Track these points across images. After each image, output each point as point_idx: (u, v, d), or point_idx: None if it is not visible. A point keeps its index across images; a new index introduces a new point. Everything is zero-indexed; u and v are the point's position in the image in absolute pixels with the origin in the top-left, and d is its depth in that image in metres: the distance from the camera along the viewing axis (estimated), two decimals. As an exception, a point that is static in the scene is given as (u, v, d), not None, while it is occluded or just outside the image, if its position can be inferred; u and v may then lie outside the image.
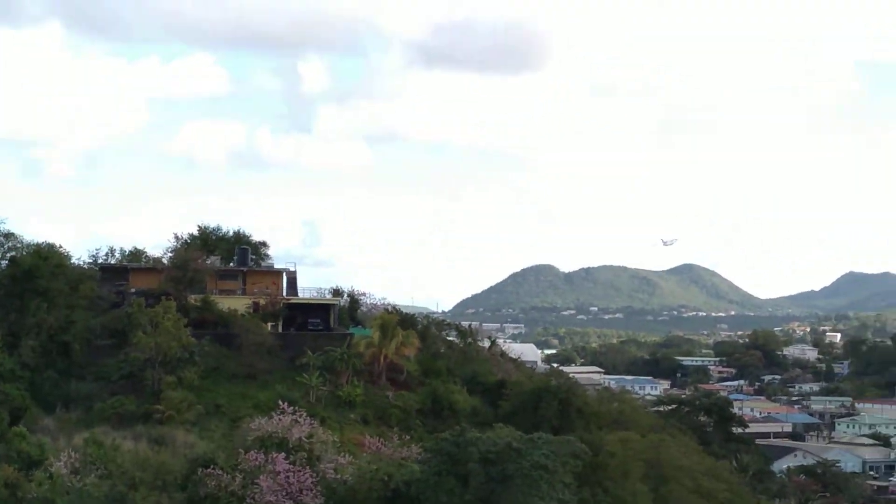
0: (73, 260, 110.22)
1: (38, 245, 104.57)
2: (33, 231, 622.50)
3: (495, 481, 70.09)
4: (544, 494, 69.57)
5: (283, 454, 71.23)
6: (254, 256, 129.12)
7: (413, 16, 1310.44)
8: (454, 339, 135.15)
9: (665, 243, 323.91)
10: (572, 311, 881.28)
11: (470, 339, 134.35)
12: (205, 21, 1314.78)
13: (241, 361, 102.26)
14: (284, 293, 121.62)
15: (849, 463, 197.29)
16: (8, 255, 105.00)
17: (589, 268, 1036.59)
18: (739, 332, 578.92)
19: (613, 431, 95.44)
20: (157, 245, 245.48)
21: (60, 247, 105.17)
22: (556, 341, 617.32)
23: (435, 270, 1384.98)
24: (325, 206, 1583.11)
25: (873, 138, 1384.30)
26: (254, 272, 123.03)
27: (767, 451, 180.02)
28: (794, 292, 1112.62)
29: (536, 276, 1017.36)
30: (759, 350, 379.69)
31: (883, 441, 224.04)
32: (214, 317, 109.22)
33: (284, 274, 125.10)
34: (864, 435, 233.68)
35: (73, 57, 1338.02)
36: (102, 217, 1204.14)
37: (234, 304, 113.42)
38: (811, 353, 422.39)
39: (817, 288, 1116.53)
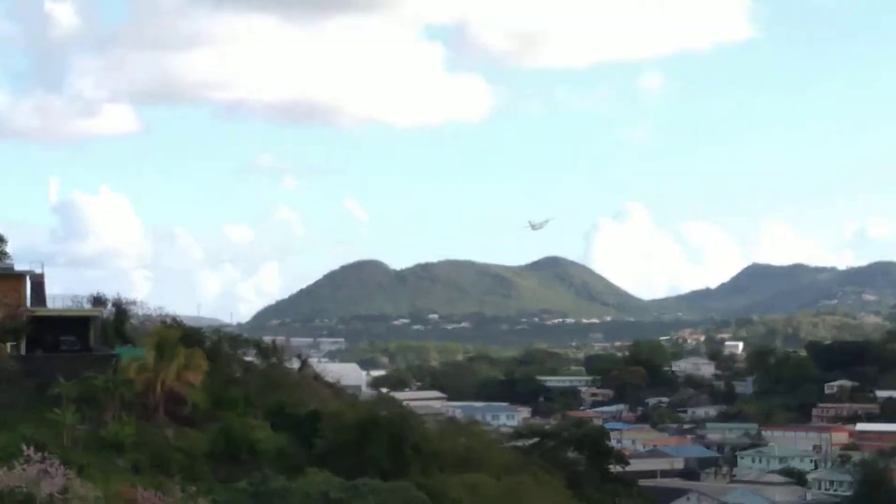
0: None
1: None
2: None
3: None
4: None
5: (28, 516, 70.07)
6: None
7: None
8: (254, 359, 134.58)
9: (534, 227, 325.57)
10: (406, 321, 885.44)
11: (274, 359, 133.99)
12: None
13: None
14: (28, 303, 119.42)
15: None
16: None
17: (426, 263, 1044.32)
18: (617, 343, 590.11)
19: (460, 474, 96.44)
20: None
21: None
22: (385, 359, 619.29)
23: (227, 271, 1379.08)
24: (82, 187, 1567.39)
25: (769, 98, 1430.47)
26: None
27: (654, 494, 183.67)
28: (684, 291, 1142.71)
29: (359, 276, 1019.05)
30: (641, 365, 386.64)
31: (797, 478, 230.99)
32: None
33: (28, 278, 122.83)
34: (773, 471, 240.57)
35: None
36: None
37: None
38: (707, 369, 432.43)
39: (713, 285, 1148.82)
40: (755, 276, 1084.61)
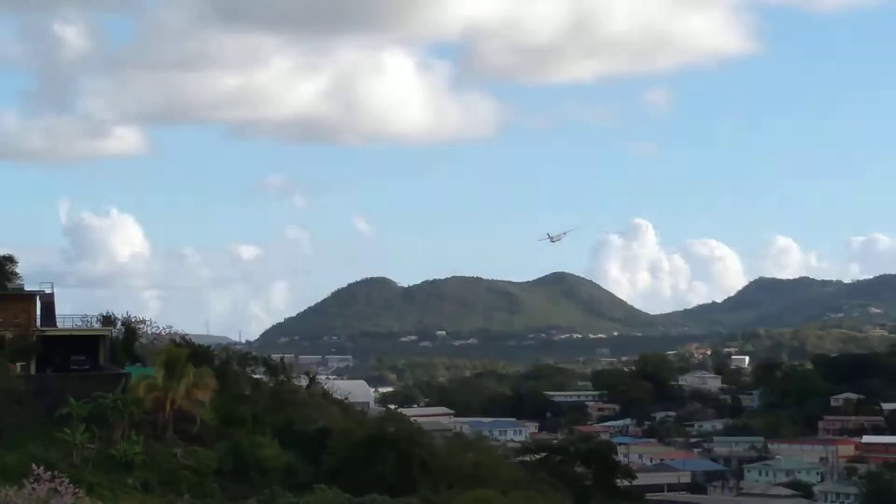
0: None
1: None
2: None
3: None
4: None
5: (39, 534, 70.14)
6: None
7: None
8: (262, 377, 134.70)
9: (552, 239, 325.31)
10: (414, 337, 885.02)
11: (282, 377, 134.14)
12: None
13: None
14: (38, 323, 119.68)
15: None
16: None
17: (434, 280, 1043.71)
18: (624, 358, 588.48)
19: (468, 490, 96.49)
20: None
21: None
22: (393, 376, 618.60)
23: (236, 290, 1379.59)
24: (92, 208, 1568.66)
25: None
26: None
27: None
28: (691, 305, 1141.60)
29: (367, 294, 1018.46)
30: (648, 380, 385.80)
31: (803, 491, 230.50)
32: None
33: (38, 298, 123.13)
34: (779, 484, 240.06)
35: None
36: None
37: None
38: (713, 383, 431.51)
39: (720, 299, 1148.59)
40: (761, 290, 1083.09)
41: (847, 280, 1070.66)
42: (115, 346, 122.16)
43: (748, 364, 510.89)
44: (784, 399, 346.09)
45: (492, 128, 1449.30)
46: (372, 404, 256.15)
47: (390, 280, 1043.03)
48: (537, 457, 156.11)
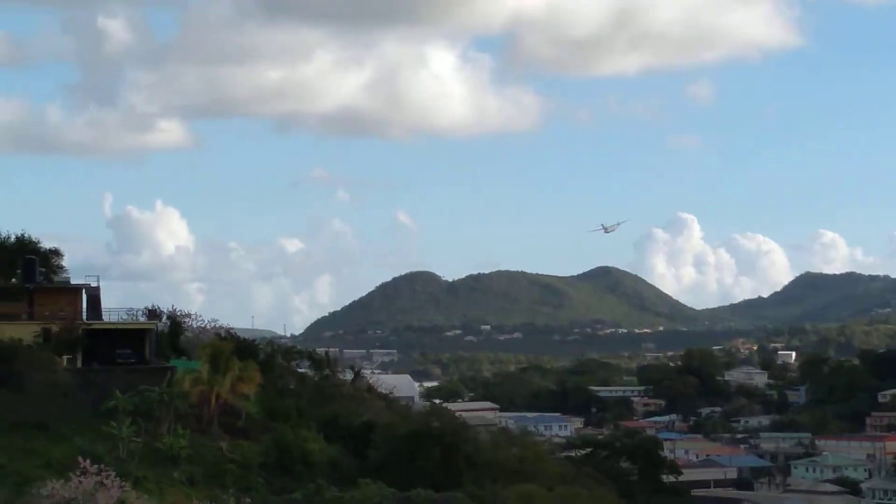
0: None
1: None
2: None
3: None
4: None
5: (85, 527, 70.49)
6: (43, 269, 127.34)
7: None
8: (307, 371, 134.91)
9: (606, 229, 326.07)
10: (458, 331, 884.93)
11: (327, 371, 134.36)
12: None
13: (27, 407, 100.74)
14: (84, 316, 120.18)
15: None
16: None
17: (478, 275, 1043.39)
18: (670, 353, 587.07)
19: (513, 485, 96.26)
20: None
21: None
22: (438, 370, 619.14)
23: (281, 284, 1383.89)
24: (137, 202, 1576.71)
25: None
26: (43, 290, 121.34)
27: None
28: (737, 300, 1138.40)
29: (412, 288, 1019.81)
30: (694, 375, 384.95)
31: (851, 487, 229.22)
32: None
33: (84, 291, 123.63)
34: (826, 480, 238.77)
35: None
36: None
37: (18, 332, 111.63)
38: (759, 378, 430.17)
39: (766, 294, 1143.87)
40: (808, 285, 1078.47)
41: (894, 275, 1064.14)
42: (160, 340, 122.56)
43: (794, 359, 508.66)
44: (831, 395, 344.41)
45: (535, 121, 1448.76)
46: (416, 399, 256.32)
47: (434, 274, 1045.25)
48: (582, 452, 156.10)
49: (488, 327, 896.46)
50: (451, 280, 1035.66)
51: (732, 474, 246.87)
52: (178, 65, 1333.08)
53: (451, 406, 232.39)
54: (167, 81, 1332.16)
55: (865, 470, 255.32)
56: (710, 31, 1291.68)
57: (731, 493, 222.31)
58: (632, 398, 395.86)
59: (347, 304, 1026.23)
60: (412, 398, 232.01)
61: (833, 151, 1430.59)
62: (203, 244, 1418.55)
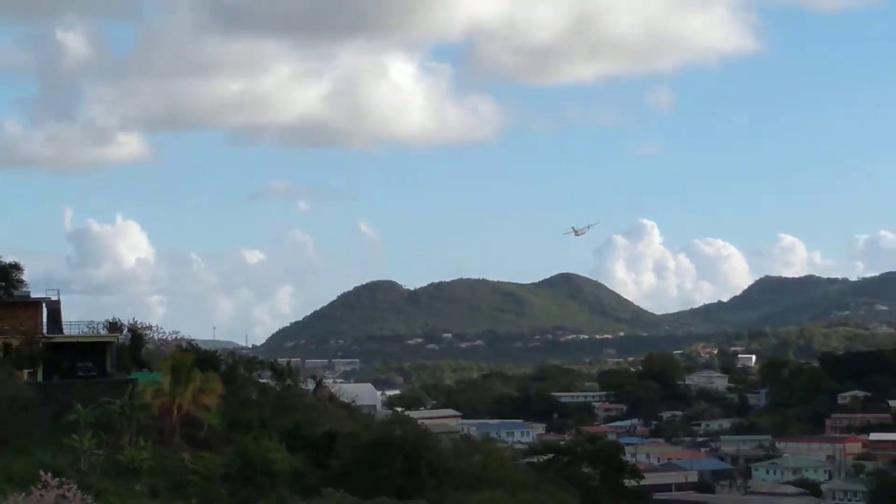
0: None
1: None
2: None
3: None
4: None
5: (48, 541, 70.26)
6: (2, 283, 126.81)
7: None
8: (269, 381, 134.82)
9: (577, 232, 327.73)
10: (420, 340, 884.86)
11: (289, 381, 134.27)
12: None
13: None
14: (45, 330, 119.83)
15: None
16: None
17: (440, 283, 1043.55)
18: (630, 358, 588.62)
19: (475, 491, 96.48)
20: None
21: None
22: (400, 379, 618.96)
23: (242, 295, 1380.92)
24: (96, 215, 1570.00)
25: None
26: (3, 304, 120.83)
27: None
28: (696, 305, 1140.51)
29: (373, 297, 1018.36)
30: (655, 380, 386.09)
31: (811, 489, 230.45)
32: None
33: (44, 305, 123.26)
34: (787, 482, 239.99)
35: None
36: None
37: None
38: (720, 382, 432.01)
39: (725, 298, 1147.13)
40: (767, 289, 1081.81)
41: (853, 278, 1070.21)
42: (121, 353, 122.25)
43: (755, 363, 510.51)
44: (791, 397, 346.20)
45: (495, 130, 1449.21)
46: (379, 407, 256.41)
47: (396, 283, 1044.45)
48: (544, 458, 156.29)
49: (450, 335, 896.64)
50: (412, 289, 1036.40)
51: (693, 477, 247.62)
52: (136, 78, 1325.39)
53: (414, 414, 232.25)
54: (126, 94, 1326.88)
55: (825, 471, 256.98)
56: (667, 37, 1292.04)
57: (693, 496, 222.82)
58: (593, 403, 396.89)
59: (309, 314, 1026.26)
60: (374, 407, 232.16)
61: (792, 155, 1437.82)
62: (163, 256, 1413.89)
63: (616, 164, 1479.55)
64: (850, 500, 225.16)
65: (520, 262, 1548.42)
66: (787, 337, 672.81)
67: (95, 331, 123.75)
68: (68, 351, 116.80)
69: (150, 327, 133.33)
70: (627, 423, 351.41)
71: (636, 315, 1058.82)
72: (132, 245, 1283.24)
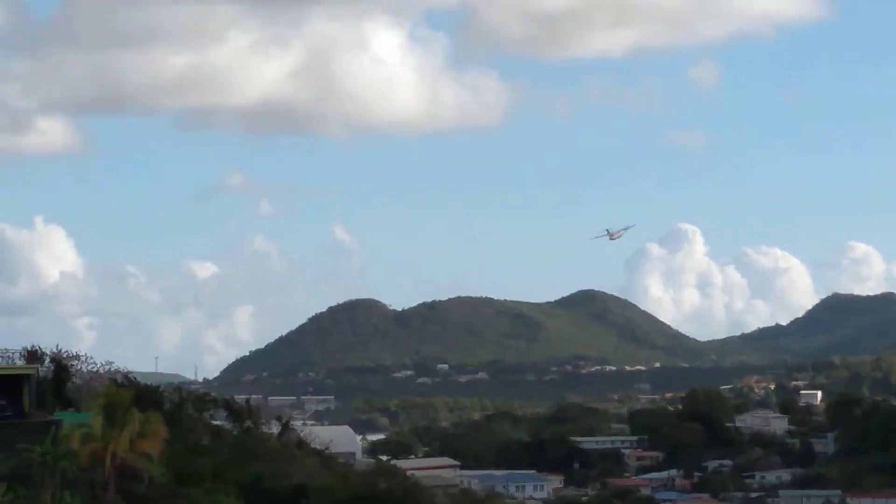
0: None
1: None
2: None
3: None
4: None
5: None
6: None
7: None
8: (224, 423, 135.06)
9: (612, 236, 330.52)
10: (410, 372, 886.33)
11: (248, 423, 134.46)
12: None
13: None
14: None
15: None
16: None
17: (433, 302, 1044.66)
18: (668, 395, 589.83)
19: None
20: None
21: None
22: (385, 420, 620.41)
23: (191, 317, 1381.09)
24: (10, 217, 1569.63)
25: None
26: None
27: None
28: (749, 329, 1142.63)
29: (352, 320, 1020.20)
30: (698, 421, 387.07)
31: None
32: None
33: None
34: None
35: None
36: None
37: None
38: (778, 424, 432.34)
39: (785, 321, 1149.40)
40: (836, 310, 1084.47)
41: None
42: (42, 388, 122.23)
43: (820, 401, 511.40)
44: (865, 443, 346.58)
45: (499, 114, 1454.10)
46: (359, 455, 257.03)
47: (380, 302, 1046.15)
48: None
49: (446, 366, 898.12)
50: (400, 309, 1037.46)
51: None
52: (59, 49, 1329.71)
53: (402, 463, 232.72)
54: (47, 71, 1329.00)
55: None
56: (712, 1, 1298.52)
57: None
58: (622, 450, 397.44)
59: (273, 340, 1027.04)
60: (353, 454, 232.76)
61: (864, 147, 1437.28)
62: (94, 270, 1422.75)
63: (649, 155, 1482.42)
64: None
65: (532, 277, 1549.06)
66: (860, 368, 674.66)
67: (10, 361, 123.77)
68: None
69: (77, 357, 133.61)
70: (664, 474, 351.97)
71: (675, 341, 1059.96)
72: (55, 255, 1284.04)
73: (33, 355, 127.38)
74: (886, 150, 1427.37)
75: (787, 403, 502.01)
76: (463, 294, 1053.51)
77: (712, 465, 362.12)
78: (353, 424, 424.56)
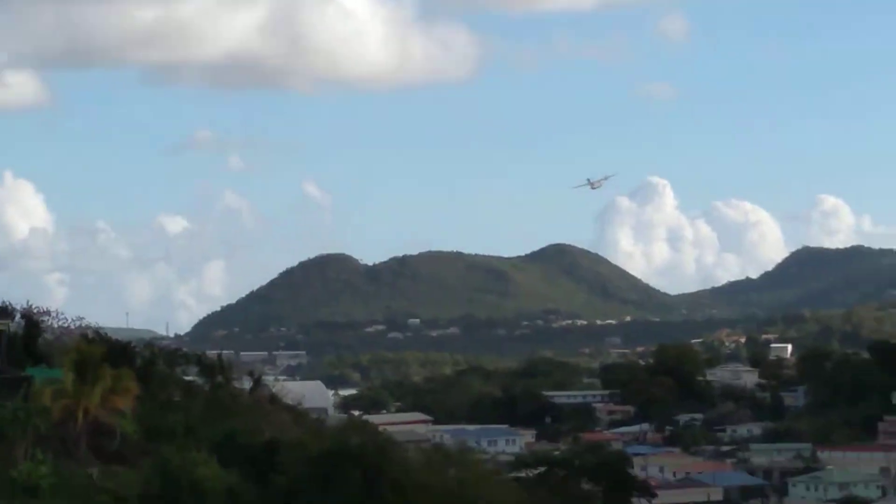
0: None
1: None
2: None
3: None
4: None
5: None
6: None
7: None
8: (195, 379, 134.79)
9: (592, 185, 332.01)
10: (381, 327, 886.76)
11: (221, 379, 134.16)
12: None
13: None
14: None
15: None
16: None
17: (404, 257, 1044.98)
18: (639, 349, 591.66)
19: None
20: None
21: None
22: (357, 375, 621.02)
23: (161, 272, 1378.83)
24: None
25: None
26: None
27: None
28: (719, 283, 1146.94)
29: (323, 274, 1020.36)
30: (669, 375, 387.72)
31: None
32: None
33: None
34: (832, 500, 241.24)
35: None
36: None
37: None
38: (749, 377, 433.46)
39: (755, 275, 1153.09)
40: (806, 263, 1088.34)
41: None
42: (12, 344, 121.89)
43: (791, 354, 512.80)
44: (835, 396, 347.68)
45: (470, 67, 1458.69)
46: (331, 411, 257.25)
47: (351, 257, 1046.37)
48: (535, 472, 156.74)
49: (417, 321, 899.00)
50: (370, 264, 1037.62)
51: (718, 495, 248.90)
52: (27, 4, 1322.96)
53: (374, 419, 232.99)
54: (13, 24, 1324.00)
55: (878, 487, 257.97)
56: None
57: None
58: (594, 405, 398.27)
59: (244, 296, 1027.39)
60: (325, 410, 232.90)
61: (836, 100, 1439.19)
62: (64, 225, 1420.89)
63: (619, 108, 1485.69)
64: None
65: (502, 231, 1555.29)
66: (829, 322, 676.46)
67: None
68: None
69: (48, 313, 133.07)
70: (636, 428, 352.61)
71: (645, 296, 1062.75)
72: (25, 211, 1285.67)
73: (3, 311, 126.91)
74: (857, 103, 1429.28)
75: (757, 357, 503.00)
76: (433, 249, 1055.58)
77: (683, 418, 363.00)
78: (325, 380, 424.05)
